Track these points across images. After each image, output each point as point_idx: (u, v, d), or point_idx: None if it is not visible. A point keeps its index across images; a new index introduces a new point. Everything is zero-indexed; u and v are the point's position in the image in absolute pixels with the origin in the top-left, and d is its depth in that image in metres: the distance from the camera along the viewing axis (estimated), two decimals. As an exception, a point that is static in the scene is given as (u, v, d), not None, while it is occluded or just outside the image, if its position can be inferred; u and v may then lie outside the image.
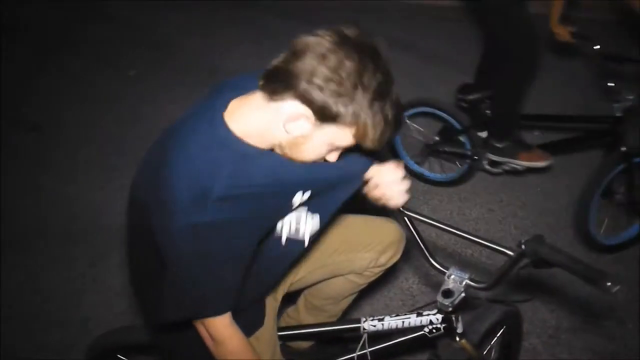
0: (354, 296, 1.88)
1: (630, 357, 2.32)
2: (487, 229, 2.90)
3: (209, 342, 1.35)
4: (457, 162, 3.15)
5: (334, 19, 1.35)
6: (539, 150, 2.87)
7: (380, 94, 1.16)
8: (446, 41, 4.40)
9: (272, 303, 1.66)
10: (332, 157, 1.30)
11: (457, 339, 1.67)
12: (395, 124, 1.21)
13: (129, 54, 4.23)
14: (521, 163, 2.89)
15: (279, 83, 1.16)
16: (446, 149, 3.06)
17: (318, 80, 1.12)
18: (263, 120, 1.22)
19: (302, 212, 1.41)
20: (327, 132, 1.20)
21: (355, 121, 1.17)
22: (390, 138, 1.25)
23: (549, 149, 2.87)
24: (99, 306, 2.54)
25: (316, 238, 1.48)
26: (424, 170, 3.19)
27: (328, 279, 1.77)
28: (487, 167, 2.98)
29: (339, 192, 1.42)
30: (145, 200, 1.29)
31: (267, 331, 1.60)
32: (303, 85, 1.13)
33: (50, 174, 3.28)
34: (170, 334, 1.53)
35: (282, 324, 1.86)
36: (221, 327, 1.32)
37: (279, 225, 1.39)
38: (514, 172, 3.01)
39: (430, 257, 1.64)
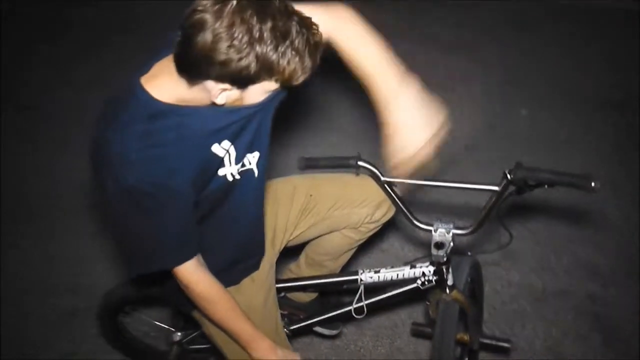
0: (351, 253, 1.99)
1: (612, 316, 2.46)
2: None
3: (182, 286, 1.46)
4: None
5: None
6: None
7: (279, 36, 1.14)
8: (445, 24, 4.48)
9: (269, 250, 1.76)
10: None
11: (448, 290, 1.79)
12: (311, 46, 1.20)
13: (112, 38, 4.35)
14: None
15: (188, 72, 1.19)
16: None
17: (219, 58, 1.12)
18: (191, 95, 1.25)
19: (240, 159, 1.45)
20: (253, 90, 1.24)
21: (270, 72, 1.17)
22: (317, 60, 1.24)
23: None
24: (108, 273, 2.64)
25: (265, 165, 1.52)
26: None
27: (326, 234, 1.88)
28: None
29: (260, 124, 1.44)
30: (93, 174, 1.33)
31: (263, 274, 1.72)
32: (208, 68, 1.15)
33: (49, 152, 3.39)
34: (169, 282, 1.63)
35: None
36: (186, 274, 1.42)
37: (221, 171, 1.42)
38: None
39: (414, 219, 1.75)
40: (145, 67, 1.30)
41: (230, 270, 1.64)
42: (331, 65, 1.42)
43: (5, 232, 2.91)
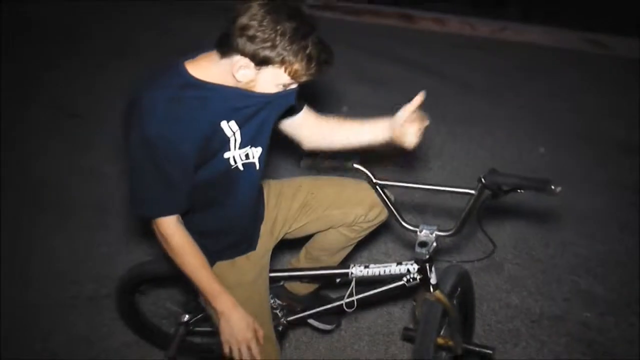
0: (347, 251, 2.16)
1: (606, 344, 2.52)
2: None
3: (160, 239, 1.67)
4: None
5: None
6: None
7: (298, 36, 1.45)
8: (476, 70, 4.70)
9: (268, 237, 1.95)
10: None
11: (432, 289, 1.93)
12: (321, 58, 1.50)
13: (143, 43, 4.71)
14: None
15: (224, 45, 1.49)
16: None
17: (249, 33, 1.44)
18: (220, 74, 1.54)
19: (244, 146, 1.67)
20: (266, 74, 1.51)
21: (281, 61, 1.47)
22: (322, 71, 1.53)
23: None
24: (130, 264, 2.84)
25: (264, 161, 1.75)
26: None
27: (324, 230, 2.05)
28: None
29: (264, 120, 1.69)
30: (123, 124, 1.56)
31: (257, 255, 1.90)
32: (238, 40, 1.45)
33: (89, 156, 3.69)
34: None
35: (284, 271, 2.16)
36: (166, 226, 1.64)
37: (227, 154, 1.65)
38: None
39: (402, 220, 1.92)
40: (192, 55, 1.61)
41: (228, 250, 1.84)
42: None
43: (36, 224, 3.19)
